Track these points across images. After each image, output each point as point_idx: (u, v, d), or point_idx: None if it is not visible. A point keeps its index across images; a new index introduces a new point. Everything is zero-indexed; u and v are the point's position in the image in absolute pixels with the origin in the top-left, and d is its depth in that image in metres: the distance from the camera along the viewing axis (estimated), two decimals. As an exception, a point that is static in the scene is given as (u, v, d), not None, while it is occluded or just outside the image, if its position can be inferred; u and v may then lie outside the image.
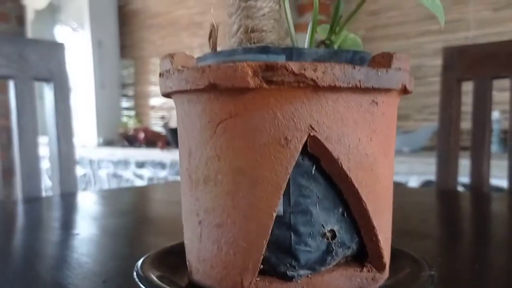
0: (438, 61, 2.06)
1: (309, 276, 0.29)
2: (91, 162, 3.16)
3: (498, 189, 1.51)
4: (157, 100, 3.31)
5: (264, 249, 0.28)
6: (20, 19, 3.86)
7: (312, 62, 0.27)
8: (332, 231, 0.29)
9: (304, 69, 0.26)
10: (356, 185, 0.28)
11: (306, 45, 0.31)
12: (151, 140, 2.85)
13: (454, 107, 1.00)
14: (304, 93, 0.27)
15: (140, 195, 0.99)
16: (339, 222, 0.29)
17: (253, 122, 0.27)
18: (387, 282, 0.31)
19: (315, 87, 0.26)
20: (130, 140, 2.95)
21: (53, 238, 0.56)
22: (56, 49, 0.92)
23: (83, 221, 0.68)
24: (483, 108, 0.97)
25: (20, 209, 0.77)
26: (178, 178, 2.23)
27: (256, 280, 0.28)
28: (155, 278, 0.31)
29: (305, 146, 0.27)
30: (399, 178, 1.83)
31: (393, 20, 2.20)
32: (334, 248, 0.29)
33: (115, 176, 2.99)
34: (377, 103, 0.29)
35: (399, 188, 1.22)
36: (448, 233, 0.58)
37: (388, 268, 0.31)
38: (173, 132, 2.74)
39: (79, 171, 3.18)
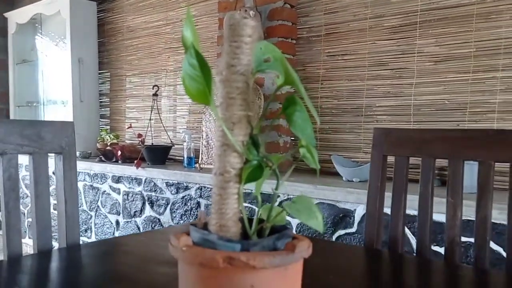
0: (388, 103, 2.36)
1: None
2: (68, 173, 3.33)
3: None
4: (133, 116, 3.50)
5: None
6: (3, 31, 3.96)
7: (254, 252, 0.52)
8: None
9: (248, 259, 0.51)
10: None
11: (253, 228, 0.57)
12: (128, 156, 3.05)
13: (380, 177, 1.28)
14: (249, 269, 0.52)
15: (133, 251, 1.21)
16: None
17: (221, 281, 0.52)
18: None
19: (254, 267, 0.52)
20: (107, 156, 3.14)
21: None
22: (67, 127, 1.14)
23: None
24: (401, 181, 1.25)
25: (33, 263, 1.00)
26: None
27: None
28: None
29: (249, 294, 0.53)
30: (349, 206, 2.11)
31: (349, 63, 2.48)
32: None
33: (92, 188, 3.18)
34: (287, 268, 0.54)
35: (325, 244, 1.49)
36: None
37: None
38: (149, 150, 2.96)
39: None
